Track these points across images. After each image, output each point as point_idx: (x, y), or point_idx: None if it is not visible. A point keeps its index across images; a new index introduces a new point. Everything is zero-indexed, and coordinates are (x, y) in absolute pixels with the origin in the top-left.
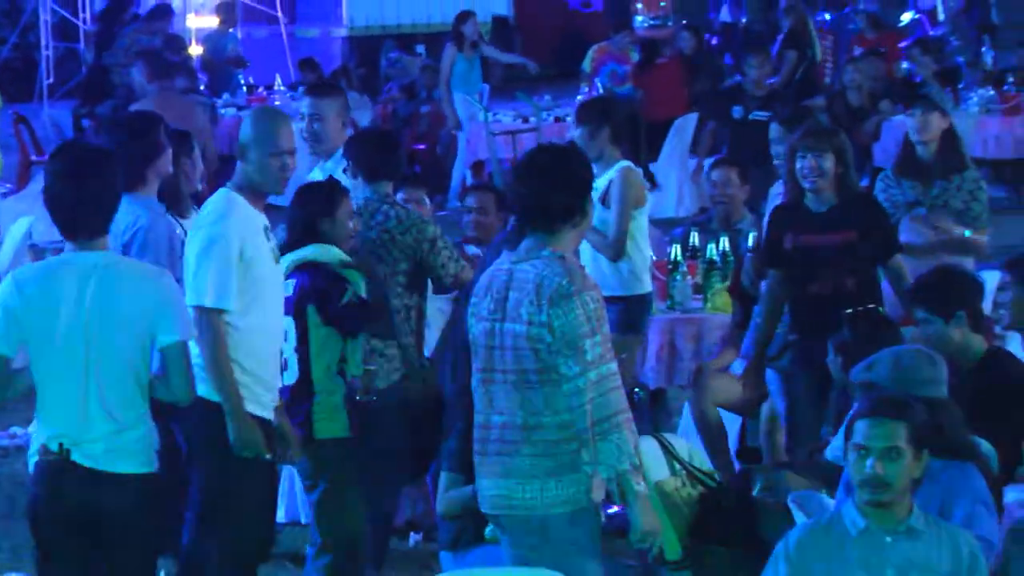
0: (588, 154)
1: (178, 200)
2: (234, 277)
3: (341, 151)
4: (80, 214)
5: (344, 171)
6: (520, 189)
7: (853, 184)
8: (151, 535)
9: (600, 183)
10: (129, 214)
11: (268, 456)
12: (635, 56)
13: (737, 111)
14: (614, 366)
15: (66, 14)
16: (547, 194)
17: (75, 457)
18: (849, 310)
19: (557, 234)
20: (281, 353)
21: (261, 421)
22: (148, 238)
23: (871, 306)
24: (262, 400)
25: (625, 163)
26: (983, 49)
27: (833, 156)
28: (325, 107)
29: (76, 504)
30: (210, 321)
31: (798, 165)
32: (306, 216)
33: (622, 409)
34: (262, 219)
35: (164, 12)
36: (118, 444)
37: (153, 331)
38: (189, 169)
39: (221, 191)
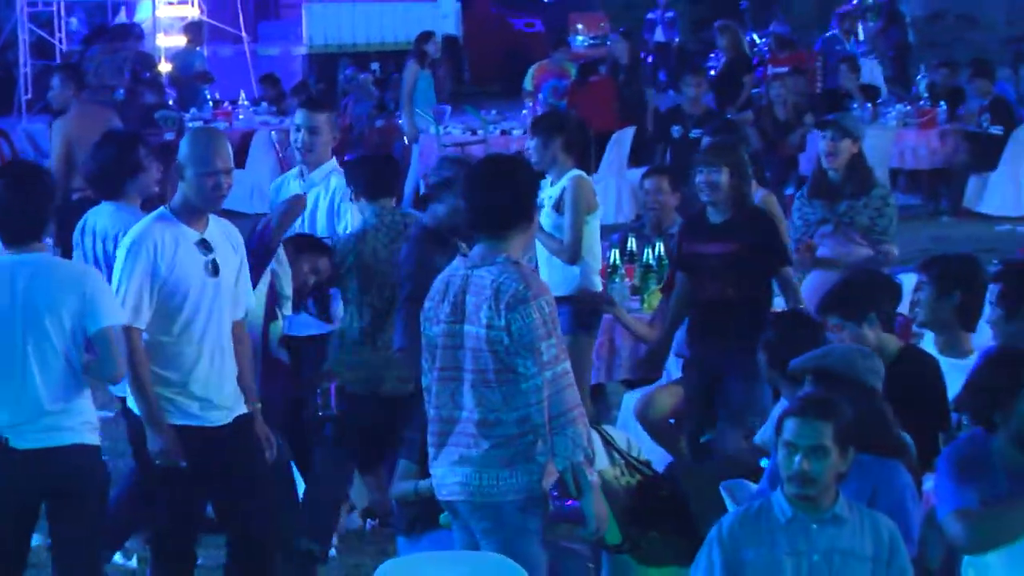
0: (542, 163)
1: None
2: (144, 293)
3: (329, 169)
4: (19, 222)
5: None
6: (471, 196)
7: (748, 198)
8: (94, 504)
9: (554, 191)
10: (116, 220)
11: (182, 464)
12: (574, 72)
13: (676, 131)
14: (568, 365)
15: (43, 34)
16: (496, 200)
17: (14, 444)
18: (777, 311)
19: (507, 238)
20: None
21: (188, 430)
22: None
23: (796, 307)
24: (189, 410)
25: (577, 171)
26: (912, 68)
27: (727, 171)
28: (320, 121)
29: (15, 492)
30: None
31: (696, 180)
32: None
33: (576, 405)
34: (195, 235)
35: (125, 32)
36: (56, 423)
37: (83, 321)
38: (168, 179)
39: (156, 211)
